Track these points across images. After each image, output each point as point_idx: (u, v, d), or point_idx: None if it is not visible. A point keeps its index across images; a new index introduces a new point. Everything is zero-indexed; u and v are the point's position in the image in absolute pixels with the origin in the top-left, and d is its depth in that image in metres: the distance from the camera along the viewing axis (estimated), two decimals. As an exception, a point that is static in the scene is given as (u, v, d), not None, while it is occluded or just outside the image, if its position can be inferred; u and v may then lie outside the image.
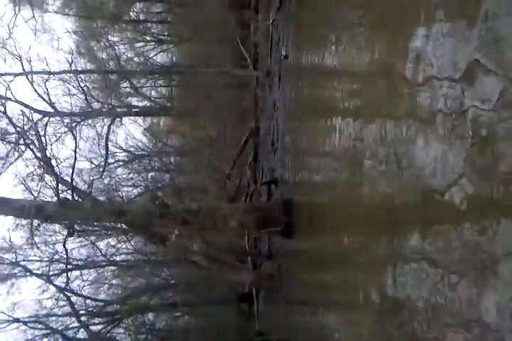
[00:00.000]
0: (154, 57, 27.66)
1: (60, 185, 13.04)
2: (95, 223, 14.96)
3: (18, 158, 17.26)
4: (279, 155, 14.70)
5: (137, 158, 26.32)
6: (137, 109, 25.04)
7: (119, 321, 21.39)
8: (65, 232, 14.90)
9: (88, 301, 21.31)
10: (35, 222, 14.19)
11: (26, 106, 19.14)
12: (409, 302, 4.13)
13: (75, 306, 19.40)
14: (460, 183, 3.34)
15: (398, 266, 4.42)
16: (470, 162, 3.24)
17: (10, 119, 16.41)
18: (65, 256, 17.54)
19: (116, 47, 23.68)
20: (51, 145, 15.35)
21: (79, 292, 20.69)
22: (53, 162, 14.25)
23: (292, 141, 12.48)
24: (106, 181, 20.64)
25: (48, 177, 14.69)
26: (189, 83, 23.90)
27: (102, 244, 20.64)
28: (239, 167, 19.42)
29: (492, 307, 2.88)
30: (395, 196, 4.64)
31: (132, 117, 25.30)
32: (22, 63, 19.53)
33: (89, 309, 21.19)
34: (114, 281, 23.42)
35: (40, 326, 20.08)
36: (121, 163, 25.45)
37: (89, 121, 21.50)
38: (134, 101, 25.65)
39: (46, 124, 17.84)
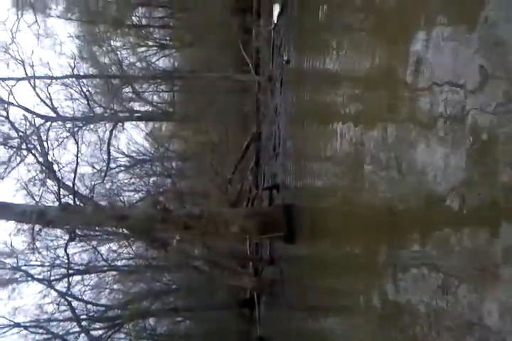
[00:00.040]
0: (156, 62, 27.75)
1: (61, 189, 13.05)
2: (97, 228, 14.96)
3: (20, 162, 17.32)
4: (281, 160, 14.70)
5: (139, 162, 26.35)
6: (139, 114, 25.09)
7: (120, 326, 21.35)
8: (67, 237, 14.92)
9: (89, 306, 21.28)
10: (37, 227, 14.20)
11: (28, 110, 19.20)
12: (410, 307, 4.12)
13: (76, 311, 19.37)
14: (461, 188, 3.33)
15: (399, 271, 4.42)
16: (471, 167, 3.24)
17: (12, 124, 16.46)
18: (66, 261, 17.54)
19: (118, 52, 23.77)
20: (53, 150, 15.40)
21: (80, 297, 20.67)
22: (55, 167, 14.27)
23: (294, 146, 12.49)
24: (108, 186, 20.69)
25: (49, 182, 14.72)
26: (191, 88, 23.94)
27: (103, 249, 20.66)
28: (240, 172, 19.42)
29: (493, 310, 2.88)
30: (396, 201, 4.64)
31: (134, 122, 25.35)
32: (24, 68, 19.62)
33: (90, 314, 21.16)
34: (115, 286, 23.40)
35: (41, 331, 20.05)
36: (123, 168, 25.49)
37: (91, 125, 21.57)
38: (136, 106, 25.72)
39: (48, 129, 17.90)
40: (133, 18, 26.59)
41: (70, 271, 19.57)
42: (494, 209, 2.94)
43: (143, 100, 25.09)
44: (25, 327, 19.39)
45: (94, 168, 21.45)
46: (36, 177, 15.71)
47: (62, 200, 12.71)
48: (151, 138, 27.11)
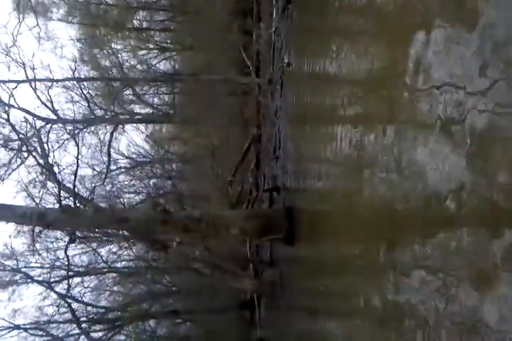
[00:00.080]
0: (157, 65, 27.81)
1: (62, 191, 13.04)
2: (97, 230, 14.96)
3: (20, 164, 17.33)
4: (281, 163, 14.71)
5: (139, 164, 26.36)
6: (140, 116, 25.11)
7: (120, 328, 21.32)
8: (67, 239, 14.92)
9: (89, 308, 21.26)
10: (37, 229, 14.20)
11: (29, 113, 19.21)
12: (410, 308, 4.13)
13: (76, 313, 19.34)
14: (461, 189, 3.34)
15: (399, 272, 4.42)
16: (471, 169, 3.24)
17: (13, 126, 16.48)
18: (66, 263, 17.51)
19: (119, 55, 23.81)
20: (54, 152, 15.41)
21: (80, 299, 20.66)
22: (55, 169, 14.26)
23: (294, 148, 12.50)
24: (108, 188, 20.72)
25: (50, 184, 14.74)
26: (191, 90, 23.99)
27: (103, 251, 20.66)
28: (241, 174, 19.43)
29: (493, 311, 2.89)
30: (395, 203, 4.65)
31: (135, 124, 25.37)
32: (25, 70, 19.64)
33: (90, 316, 21.13)
34: (115, 288, 23.38)
35: (40, 333, 20.02)
36: (123, 170, 25.49)
37: (92, 128, 21.61)
38: (137, 108, 25.76)
39: (49, 131, 17.92)
40: (134, 21, 26.67)
41: (70, 273, 19.55)
42: (494, 210, 2.96)
43: (143, 102, 25.13)
44: (25, 329, 19.36)
45: (94, 170, 21.50)
46: (36, 179, 15.77)
47: (63, 202, 12.70)
48: (152, 140, 27.14)
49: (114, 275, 22.66)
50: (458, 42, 3.45)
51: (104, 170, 20.28)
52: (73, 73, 21.20)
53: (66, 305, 18.66)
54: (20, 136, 16.27)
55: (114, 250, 20.59)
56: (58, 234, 17.41)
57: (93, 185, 18.05)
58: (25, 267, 18.97)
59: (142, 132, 26.76)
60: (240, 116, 22.57)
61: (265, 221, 11.87)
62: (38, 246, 17.18)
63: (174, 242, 12.27)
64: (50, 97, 20.48)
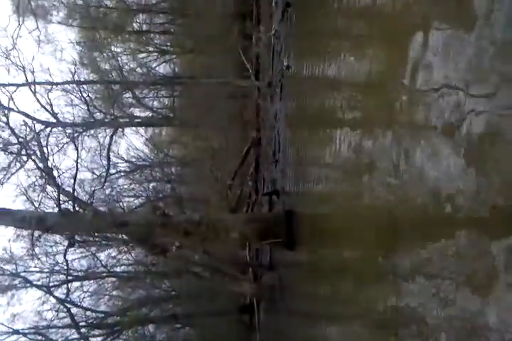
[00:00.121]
0: (157, 68, 27.82)
1: (61, 195, 13.01)
2: (96, 234, 14.91)
3: (19, 168, 17.28)
4: (281, 166, 14.68)
5: (139, 168, 26.33)
6: (139, 120, 25.10)
7: (119, 333, 21.24)
8: (66, 243, 14.86)
9: (88, 313, 21.17)
10: (36, 233, 14.15)
11: (29, 116, 19.19)
12: (410, 312, 4.10)
13: (75, 318, 19.26)
14: (460, 193, 3.32)
15: (399, 276, 4.40)
16: (470, 171, 3.22)
17: (12, 130, 16.44)
18: (65, 267, 17.46)
19: (119, 58, 23.82)
20: (53, 155, 15.37)
21: (79, 303, 20.57)
22: (55, 172, 14.22)
23: (293, 151, 12.48)
24: (107, 192, 20.67)
25: (49, 188, 14.68)
26: (191, 94, 23.98)
27: (102, 255, 20.57)
28: (240, 177, 19.39)
29: (493, 312, 2.87)
30: (395, 207, 4.62)
31: (134, 127, 25.36)
32: (25, 74, 19.61)
33: (90, 320, 21.05)
34: (114, 293, 23.30)
35: (40, 338, 19.92)
36: (122, 174, 25.46)
37: (92, 131, 21.59)
38: (137, 111, 25.74)
39: (48, 135, 17.89)
40: (133, 24, 26.68)
41: (69, 278, 19.49)
42: (493, 212, 2.93)
43: (143, 106, 25.12)
44: (24, 334, 19.27)
45: (94, 173, 21.44)
46: (36, 183, 15.70)
47: (62, 206, 12.67)
48: (151, 143, 27.12)
49: (114, 279, 22.59)
50: (456, 44, 3.43)
51: (104, 174, 20.26)
52: (73, 76, 21.20)
53: (65, 309, 18.58)
54: (20, 139, 16.23)
55: (113, 254, 20.50)
56: (57, 238, 17.35)
57: (92, 188, 18.01)
58: (25, 271, 18.90)
59: (142, 135, 26.75)
60: (240, 119, 22.56)
61: (265, 225, 11.84)
62: (37, 250, 17.11)
63: (173, 246, 12.22)
64: (50, 100, 20.47)
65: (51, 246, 18.44)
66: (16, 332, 18.94)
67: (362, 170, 5.67)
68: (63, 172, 15.38)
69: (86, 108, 21.56)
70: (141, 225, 11.65)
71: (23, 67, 19.62)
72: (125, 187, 24.68)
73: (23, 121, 17.24)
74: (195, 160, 22.90)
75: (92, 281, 21.67)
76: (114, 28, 23.83)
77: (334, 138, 7.16)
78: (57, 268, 18.88)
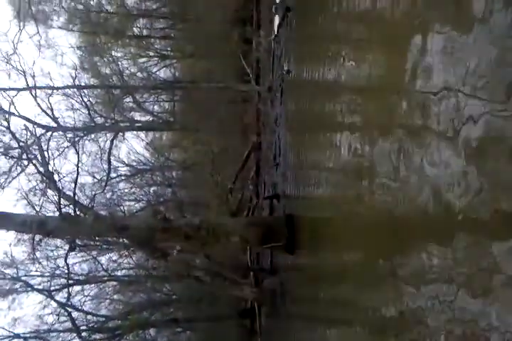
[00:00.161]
0: (157, 73, 27.88)
1: (62, 199, 13.02)
2: (97, 238, 14.92)
3: (20, 172, 17.31)
4: (281, 170, 14.70)
5: (139, 172, 26.34)
6: (140, 124, 25.14)
7: (120, 337, 21.18)
8: (67, 247, 14.86)
9: (89, 317, 21.13)
10: (37, 237, 14.15)
11: (29, 120, 19.23)
12: (410, 315, 4.10)
13: (76, 322, 19.23)
14: (460, 195, 3.33)
15: (400, 280, 4.40)
16: (471, 174, 3.23)
17: (13, 134, 16.47)
18: (66, 271, 17.45)
19: (119, 63, 23.88)
20: (54, 159, 15.40)
21: (80, 307, 20.54)
22: (56, 177, 14.24)
23: (294, 155, 12.49)
24: (108, 196, 20.68)
25: (50, 192, 14.70)
26: (191, 98, 24.02)
27: (103, 259, 20.57)
28: (241, 181, 19.41)
29: (495, 313, 2.89)
30: (397, 211, 4.63)
31: (135, 132, 25.40)
32: (26, 78, 19.68)
33: (90, 324, 21.00)
34: (115, 296, 23.26)
35: (40, 342, 19.91)
36: (123, 178, 25.47)
37: (92, 135, 21.63)
38: (137, 115, 25.78)
39: (49, 139, 17.92)
40: (134, 29, 26.76)
41: (70, 281, 19.46)
42: (495, 214, 2.94)
43: (143, 110, 25.16)
44: (25, 338, 19.25)
45: (94, 177, 21.46)
46: (37, 187, 15.73)
47: (63, 210, 12.68)
48: (152, 147, 27.14)
49: (114, 283, 22.56)
50: (456, 47, 3.45)
51: (105, 178, 20.29)
52: (73, 81, 21.28)
53: (66, 313, 18.56)
54: (21, 143, 16.26)
55: (114, 258, 20.51)
56: (58, 242, 17.36)
57: (93, 192, 18.02)
58: (26, 275, 18.91)
59: (142, 140, 26.80)
60: (240, 123, 22.59)
61: (265, 229, 11.83)
62: (38, 254, 17.12)
63: (174, 250, 12.23)
64: (51, 105, 20.53)
65: (52, 250, 18.45)
66: (17, 336, 18.92)
67: (362, 173, 5.68)
68: (64, 177, 15.43)
69: (87, 112, 21.62)
70: (142, 229, 11.65)
71: (24, 72, 19.70)
72: (126, 191, 24.70)
73: (24, 125, 17.29)
74: (195, 164, 22.91)
75: (92, 285, 21.64)
76: (114, 33, 23.90)
77: (334, 142, 7.18)
78: (58, 272, 18.88)
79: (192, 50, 25.35)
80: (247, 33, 21.04)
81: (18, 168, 17.36)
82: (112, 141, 21.53)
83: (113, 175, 23.04)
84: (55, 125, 20.74)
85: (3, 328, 18.51)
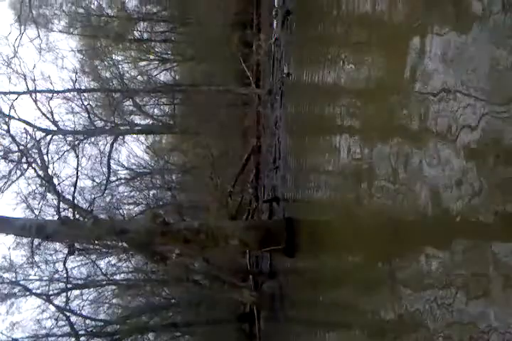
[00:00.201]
0: (157, 76, 27.93)
1: (61, 203, 13.01)
2: (96, 241, 14.89)
3: (20, 176, 17.30)
4: (281, 173, 14.69)
5: (139, 175, 26.35)
6: (140, 127, 25.18)
7: (119, 341, 21.14)
8: (66, 251, 14.84)
9: (88, 321, 21.08)
10: (36, 241, 14.14)
11: (29, 124, 19.26)
12: (409, 319, 4.09)
13: (75, 326, 19.19)
14: (460, 198, 3.31)
15: (399, 283, 4.38)
16: (471, 177, 3.21)
17: (13, 137, 16.49)
18: (65, 275, 17.43)
19: (119, 66, 23.94)
20: (53, 163, 15.42)
21: (78, 312, 20.49)
22: (55, 180, 14.26)
23: (294, 158, 12.49)
24: (107, 199, 20.67)
25: (49, 196, 14.71)
26: (192, 101, 24.05)
27: (102, 263, 20.55)
28: (241, 185, 19.41)
29: (494, 314, 2.87)
30: (396, 213, 4.62)
31: (135, 135, 25.42)
32: (26, 82, 19.73)
33: (89, 329, 20.94)
34: (114, 301, 23.22)
35: (39, 346, 19.84)
36: (123, 181, 25.48)
37: (92, 139, 21.66)
38: (137, 119, 25.82)
39: (49, 142, 17.98)
40: (134, 32, 26.83)
41: (69, 286, 19.43)
42: (496, 217, 2.92)
43: (144, 113, 25.19)
44: (24, 343, 19.21)
45: (94, 181, 21.47)
46: (36, 191, 15.73)
47: (62, 214, 12.67)
48: (152, 151, 27.15)
49: (113, 287, 22.52)
50: (455, 48, 3.44)
51: (104, 182, 20.30)
52: (74, 84, 21.31)
53: (65, 318, 18.54)
54: (20, 147, 16.28)
55: (113, 262, 20.51)
56: (57, 246, 17.34)
57: (93, 196, 18.03)
58: (24, 280, 18.88)
59: (142, 143, 26.81)
60: (240, 126, 22.61)
61: (265, 232, 11.81)
62: (36, 258, 17.12)
63: (173, 254, 12.19)
64: (51, 108, 20.58)
65: (51, 254, 18.44)
66: (15, 340, 18.86)
67: (361, 176, 5.67)
68: (63, 180, 15.44)
69: (87, 116, 21.65)
70: (141, 233, 11.63)
71: (24, 75, 19.75)
72: (125, 194, 24.71)
73: (24, 128, 17.32)
74: (195, 167, 22.93)
75: (91, 289, 21.61)
76: (115, 37, 23.96)
77: (334, 145, 7.17)
78: (56, 276, 18.85)
79: (192, 54, 25.42)
80: (247, 37, 21.10)
81: (18, 171, 17.38)
82: (111, 145, 21.55)
83: (113, 178, 23.07)
84: (55, 128, 20.77)
85: (1, 333, 18.50)
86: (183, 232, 11.51)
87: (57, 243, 15.90)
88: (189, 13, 24.93)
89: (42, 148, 15.80)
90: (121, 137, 23.19)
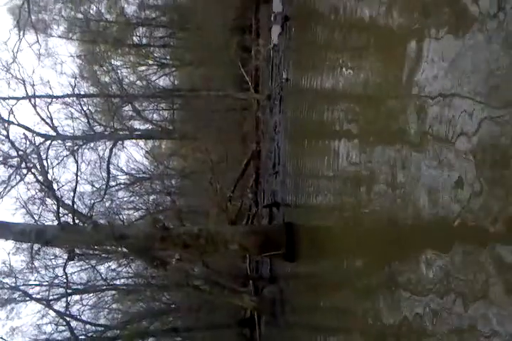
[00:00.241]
0: (156, 81, 27.96)
1: (61, 208, 13.01)
2: (96, 247, 14.88)
3: (19, 181, 17.28)
4: (280, 178, 14.70)
5: (138, 180, 26.32)
6: (139, 132, 25.18)
7: (119, 346, 21.10)
8: (66, 256, 14.82)
9: (88, 326, 21.02)
10: (36, 246, 14.12)
11: (29, 129, 19.26)
12: (409, 323, 4.09)
13: (75, 331, 19.14)
14: (460, 200, 3.32)
15: (400, 287, 4.39)
16: (470, 181, 3.22)
17: (12, 143, 16.48)
18: (65, 280, 17.39)
19: (118, 71, 23.96)
20: (53, 168, 15.42)
21: (79, 317, 20.43)
22: (55, 185, 14.25)
23: (293, 163, 12.51)
24: (107, 204, 20.62)
25: (49, 201, 14.69)
26: (191, 106, 24.08)
27: (102, 268, 20.51)
28: (240, 190, 19.40)
29: (495, 318, 2.88)
30: (396, 218, 4.63)
31: (134, 140, 25.42)
32: (25, 87, 19.74)
33: (89, 334, 20.89)
34: (114, 306, 23.16)
35: (39, 351, 19.78)
36: (122, 186, 25.45)
37: (91, 144, 21.65)
38: (136, 124, 25.83)
39: (48, 148, 17.98)
40: (133, 37, 26.88)
41: (69, 291, 19.38)
42: (496, 222, 2.93)
43: (143, 118, 25.20)
44: (23, 348, 19.15)
45: (93, 186, 21.45)
46: (35, 196, 15.69)
47: (62, 219, 12.67)
48: (151, 156, 27.14)
49: (113, 292, 22.46)
50: (452, 52, 3.46)
51: (104, 187, 20.29)
52: (73, 89, 21.35)
53: (65, 323, 18.49)
54: (20, 152, 16.27)
55: (113, 267, 20.45)
56: (57, 251, 17.32)
57: (92, 201, 18.00)
58: (24, 285, 18.82)
59: (141, 148, 26.81)
60: (239, 131, 22.63)
61: (265, 237, 11.81)
62: (36, 263, 17.08)
63: (173, 259, 12.19)
64: (50, 114, 20.59)
65: (51, 259, 18.41)
66: (15, 346, 18.80)
67: (360, 180, 5.68)
68: (63, 185, 15.45)
69: (86, 121, 21.66)
70: (141, 238, 11.63)
71: (24, 81, 19.75)
72: (125, 199, 24.68)
73: (23, 134, 17.31)
74: (194, 172, 22.93)
75: (91, 294, 21.55)
76: (114, 42, 24.01)
77: (333, 150, 7.19)
78: (56, 281, 18.79)
79: (191, 59, 25.47)
80: (246, 42, 21.16)
81: (17, 176, 17.35)
82: (111, 150, 21.56)
83: (112, 183, 23.06)
84: (54, 134, 20.78)
85: (1, 338, 18.45)
86: (183, 237, 11.51)
87: (57, 248, 15.88)
88: (188, 19, 24.99)
89: (41, 154, 15.81)
90: (120, 142, 23.21)
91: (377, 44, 5.44)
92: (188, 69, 27.27)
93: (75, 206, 13.75)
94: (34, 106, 19.99)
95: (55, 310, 18.69)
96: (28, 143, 16.36)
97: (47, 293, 18.90)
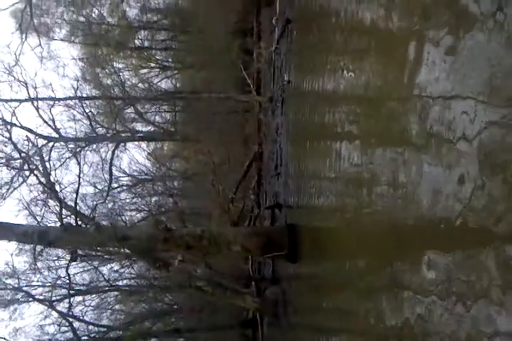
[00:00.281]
0: (158, 83, 28.01)
1: (63, 210, 13.06)
2: (98, 248, 14.92)
3: (22, 183, 17.36)
4: (283, 180, 14.73)
5: (141, 182, 26.36)
6: (141, 134, 25.21)
7: (121, 347, 21.10)
8: (68, 257, 14.87)
9: (91, 327, 21.05)
10: (38, 247, 14.17)
11: (31, 131, 19.33)
12: (411, 324, 4.11)
13: (78, 332, 19.17)
14: (460, 202, 3.34)
15: (403, 289, 4.41)
16: (471, 183, 3.24)
17: (15, 145, 16.55)
18: (67, 281, 17.44)
19: (121, 74, 24.02)
20: (55, 170, 15.49)
21: (81, 317, 20.47)
22: (57, 187, 14.30)
23: (295, 165, 12.53)
24: (109, 206, 20.70)
25: (51, 203, 14.75)
26: (193, 108, 24.12)
27: (104, 269, 20.55)
28: (242, 191, 19.43)
29: (499, 319, 2.90)
30: (397, 219, 4.65)
31: (136, 142, 25.47)
32: (28, 90, 19.81)
33: (92, 335, 20.92)
34: (116, 307, 23.18)
35: (42, 352, 19.80)
36: (124, 188, 25.50)
37: (94, 146, 21.72)
38: (138, 126, 25.88)
39: (51, 150, 18.04)
40: (135, 40, 26.94)
41: (72, 292, 19.42)
42: (499, 224, 2.95)
43: (145, 120, 25.25)
44: (26, 349, 19.18)
45: (96, 188, 21.50)
46: (38, 198, 15.77)
47: (64, 220, 12.71)
48: (153, 157, 27.18)
49: (116, 293, 22.48)
50: (452, 54, 3.49)
51: (106, 188, 20.34)
52: (75, 92, 21.43)
53: (67, 324, 18.53)
54: (22, 154, 16.33)
55: (115, 268, 20.51)
56: (60, 252, 17.38)
57: (95, 203, 18.07)
58: (27, 286, 18.88)
59: (144, 150, 26.86)
60: (241, 133, 22.66)
61: (267, 238, 11.83)
62: (39, 264, 17.15)
63: (176, 260, 12.22)
64: (52, 116, 20.67)
65: (53, 261, 18.48)
66: (18, 347, 18.84)
67: (362, 181, 5.71)
68: (65, 187, 15.51)
69: (88, 123, 21.74)
70: (144, 239, 11.66)
71: (26, 83, 19.84)
72: (127, 201, 24.72)
73: (26, 136, 17.40)
74: (197, 174, 22.95)
75: (94, 295, 21.58)
76: (116, 45, 24.07)
77: (335, 151, 7.23)
78: (59, 282, 18.86)
79: (193, 61, 25.51)
80: (248, 44, 21.19)
81: (20, 178, 17.43)
82: (113, 152, 21.63)
83: (114, 185, 23.12)
84: (56, 136, 20.84)
85: (4, 339, 18.49)
86: (186, 238, 11.53)
87: (60, 249, 15.94)
88: (190, 22, 25.05)
89: (44, 155, 15.86)
90: (122, 144, 23.27)
91: (378, 46, 5.48)
92: (189, 72, 27.32)
93: (78, 207, 13.81)
94: (37, 108, 20.08)
95: (57, 311, 18.72)
96: (30, 145, 16.43)
97: (50, 293, 18.97)
